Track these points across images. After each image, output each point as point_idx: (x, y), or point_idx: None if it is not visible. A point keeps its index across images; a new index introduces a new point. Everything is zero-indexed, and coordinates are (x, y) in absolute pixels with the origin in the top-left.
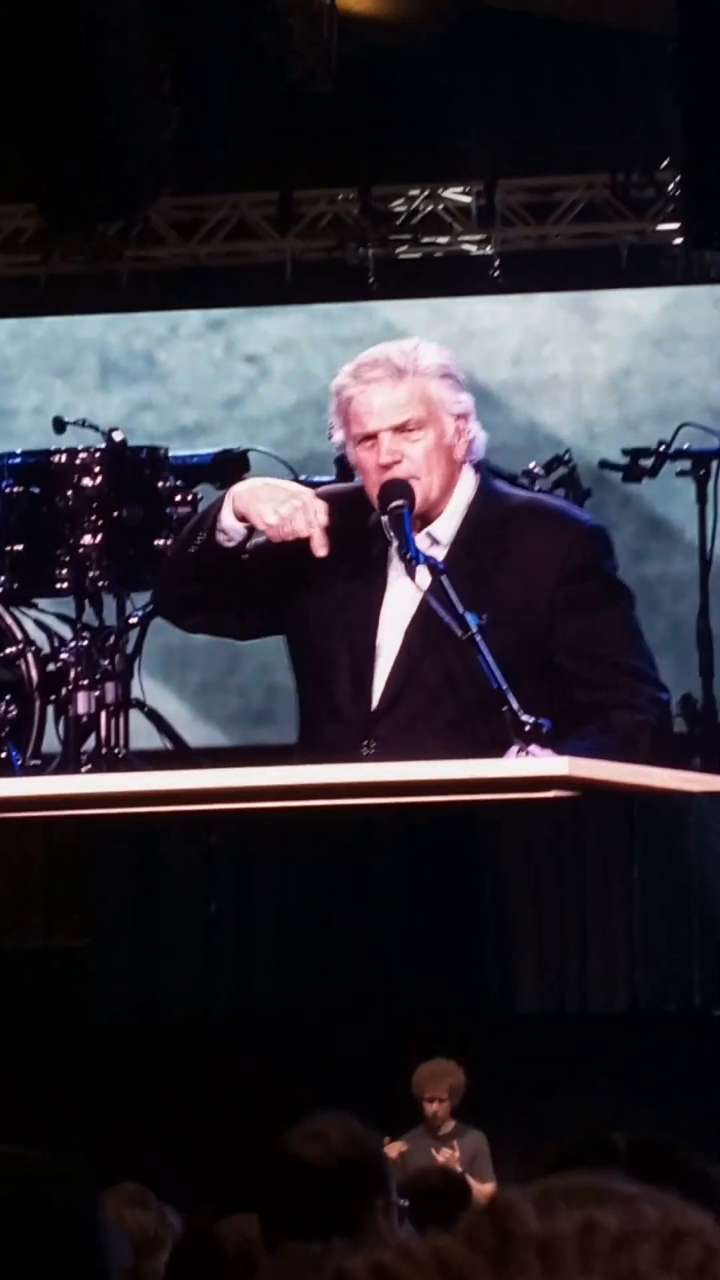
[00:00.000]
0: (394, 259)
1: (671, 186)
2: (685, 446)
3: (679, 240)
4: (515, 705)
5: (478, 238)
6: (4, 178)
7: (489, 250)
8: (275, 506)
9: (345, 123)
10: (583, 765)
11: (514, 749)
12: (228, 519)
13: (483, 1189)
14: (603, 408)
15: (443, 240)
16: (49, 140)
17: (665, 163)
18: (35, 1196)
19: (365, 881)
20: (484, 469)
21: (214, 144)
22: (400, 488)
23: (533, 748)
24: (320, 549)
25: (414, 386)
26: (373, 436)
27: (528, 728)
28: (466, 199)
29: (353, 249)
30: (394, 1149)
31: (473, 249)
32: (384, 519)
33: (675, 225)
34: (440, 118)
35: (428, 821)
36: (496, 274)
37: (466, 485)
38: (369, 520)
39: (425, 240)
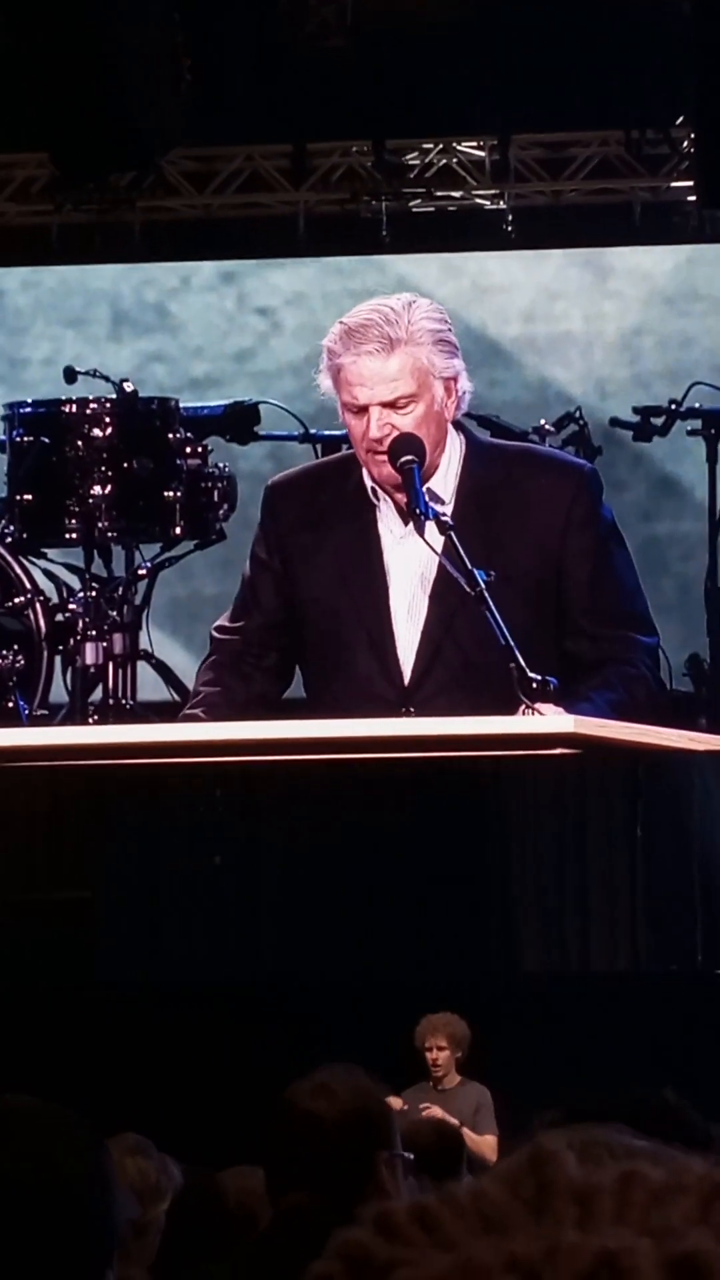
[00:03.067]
0: (407, 213)
1: (685, 144)
2: (696, 405)
3: (692, 198)
4: (522, 662)
5: (491, 192)
6: (17, 127)
7: (502, 205)
8: None
9: (359, 75)
10: (589, 723)
11: (521, 707)
12: None
13: (483, 1140)
14: (614, 366)
15: (456, 195)
16: (62, 90)
17: (679, 120)
18: (42, 1147)
19: (370, 840)
20: (464, 426)
21: (228, 96)
22: (410, 443)
23: (540, 705)
24: None
25: (406, 357)
26: (363, 409)
27: (535, 685)
28: (480, 153)
29: (366, 202)
30: (395, 1102)
31: (486, 204)
32: (371, 486)
33: (689, 183)
34: (455, 72)
35: (435, 780)
36: (509, 229)
37: (455, 443)
38: (349, 488)
39: (438, 194)
